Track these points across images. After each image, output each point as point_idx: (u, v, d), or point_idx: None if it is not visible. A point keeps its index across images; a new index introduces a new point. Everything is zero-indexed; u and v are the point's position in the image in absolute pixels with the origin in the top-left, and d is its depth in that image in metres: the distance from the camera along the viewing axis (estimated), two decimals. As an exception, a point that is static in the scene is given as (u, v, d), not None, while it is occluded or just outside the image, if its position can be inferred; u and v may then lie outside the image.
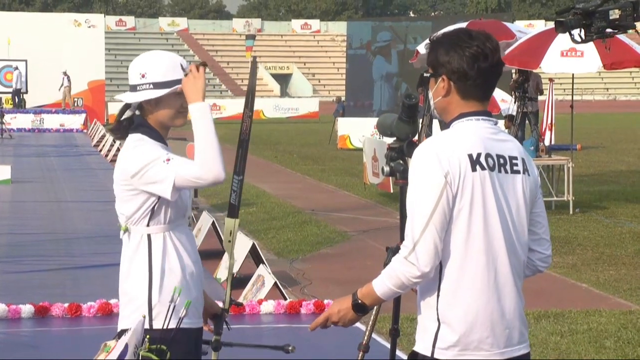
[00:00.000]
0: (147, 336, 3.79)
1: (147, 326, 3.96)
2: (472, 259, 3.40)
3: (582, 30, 5.27)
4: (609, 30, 5.26)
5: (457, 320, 3.39)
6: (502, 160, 3.46)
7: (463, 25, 17.25)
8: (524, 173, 3.51)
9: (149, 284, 4.03)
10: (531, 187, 3.54)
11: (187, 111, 4.18)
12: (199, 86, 4.03)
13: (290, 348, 4.23)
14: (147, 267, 4.05)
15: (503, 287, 3.45)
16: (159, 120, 4.13)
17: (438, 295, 3.41)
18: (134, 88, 4.11)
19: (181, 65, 4.13)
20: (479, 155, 3.41)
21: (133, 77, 4.12)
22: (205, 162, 3.91)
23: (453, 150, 3.39)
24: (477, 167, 3.39)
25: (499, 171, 3.45)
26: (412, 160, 3.44)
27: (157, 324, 3.94)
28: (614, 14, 5.20)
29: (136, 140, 4.08)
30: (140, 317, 3.94)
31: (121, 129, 4.17)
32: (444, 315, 3.40)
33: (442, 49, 3.49)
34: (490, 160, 3.43)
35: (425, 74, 3.59)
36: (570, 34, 5.29)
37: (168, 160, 3.96)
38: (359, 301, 3.51)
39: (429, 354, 3.42)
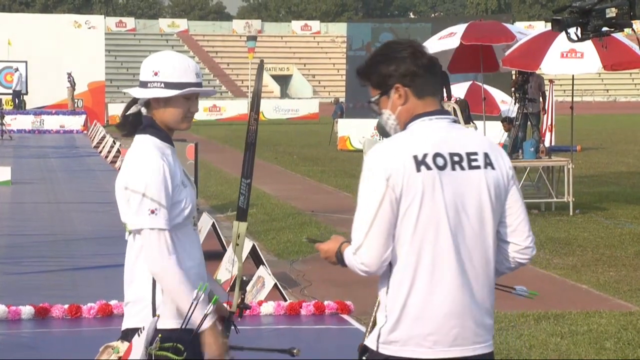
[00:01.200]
0: (159, 335, 3.80)
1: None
2: (416, 258, 3.44)
3: (579, 29, 5.26)
4: (605, 28, 5.25)
5: (398, 316, 3.45)
6: (456, 158, 3.48)
7: (463, 26, 17.24)
8: (485, 167, 3.52)
9: (153, 284, 4.03)
10: (497, 180, 3.54)
11: (193, 116, 4.19)
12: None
13: (295, 351, 4.24)
14: None
15: (452, 287, 3.46)
16: (164, 121, 4.12)
17: (387, 293, 3.49)
18: (144, 84, 4.09)
19: (196, 74, 4.12)
20: (425, 155, 3.45)
21: (145, 73, 4.10)
22: (157, 275, 3.96)
23: (398, 153, 3.45)
24: (422, 167, 3.43)
25: (453, 169, 3.47)
26: (364, 163, 3.52)
27: (160, 324, 3.94)
28: (611, 13, 5.19)
29: (144, 149, 4.05)
30: (153, 317, 3.95)
31: (127, 124, 4.16)
32: (390, 311, 3.47)
33: (383, 64, 3.59)
34: (439, 159, 3.46)
35: (370, 101, 3.65)
36: (567, 33, 5.28)
37: (154, 212, 3.95)
38: (338, 256, 3.64)
39: (374, 348, 3.50)
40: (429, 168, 3.43)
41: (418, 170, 3.42)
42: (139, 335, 3.79)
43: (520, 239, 3.62)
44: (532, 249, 3.66)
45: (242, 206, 4.30)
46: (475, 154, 3.51)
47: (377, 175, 3.43)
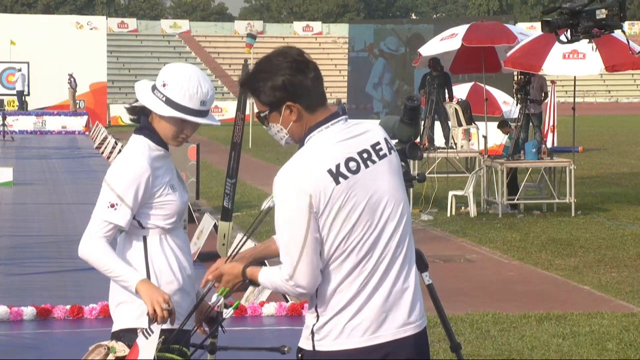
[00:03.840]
0: (162, 337, 3.79)
1: (142, 326, 3.96)
2: (351, 260, 3.48)
3: (569, 30, 5.25)
4: (595, 30, 5.23)
5: (329, 312, 3.50)
6: (365, 155, 3.52)
7: (465, 27, 17.23)
8: (390, 153, 3.59)
9: None
10: (398, 159, 3.65)
11: (186, 138, 4.20)
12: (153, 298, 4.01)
13: (286, 349, 4.23)
14: (144, 269, 4.06)
15: (379, 277, 3.51)
16: (157, 130, 4.15)
17: (317, 295, 3.54)
18: (152, 89, 4.12)
19: (202, 101, 4.09)
20: (338, 166, 3.45)
21: (159, 79, 4.12)
22: (87, 252, 4.11)
23: (313, 171, 3.43)
24: (340, 179, 3.44)
25: (366, 167, 3.50)
26: (275, 189, 3.49)
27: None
28: (601, 14, 5.17)
29: (133, 149, 4.10)
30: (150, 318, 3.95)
31: (136, 111, 4.20)
32: (320, 310, 3.53)
33: (269, 80, 3.50)
34: (352, 163, 3.47)
35: (259, 115, 3.61)
36: (557, 34, 5.27)
37: (113, 206, 4.02)
38: (247, 280, 3.69)
39: (310, 348, 3.54)
40: (345, 177, 3.45)
41: (337, 183, 3.43)
42: (146, 335, 3.78)
43: None
44: None
45: (227, 206, 4.31)
46: (378, 143, 3.57)
47: (298, 196, 3.42)
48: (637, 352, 7.78)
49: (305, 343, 3.57)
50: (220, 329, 4.19)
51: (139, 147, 4.09)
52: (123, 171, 4.05)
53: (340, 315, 3.49)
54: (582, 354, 7.73)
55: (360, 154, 3.50)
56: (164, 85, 4.07)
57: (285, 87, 3.49)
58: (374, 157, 3.53)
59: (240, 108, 4.28)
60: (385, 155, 3.56)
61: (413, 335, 3.57)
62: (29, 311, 8.49)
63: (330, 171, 3.44)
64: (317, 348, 3.53)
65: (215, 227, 11.44)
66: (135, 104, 4.21)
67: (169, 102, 4.06)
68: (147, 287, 3.97)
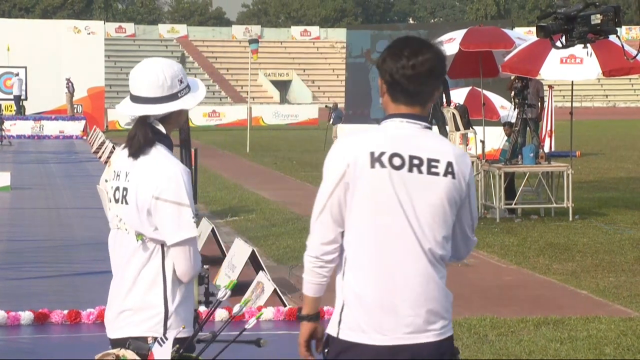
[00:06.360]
0: (177, 346, 3.77)
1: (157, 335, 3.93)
2: (363, 248, 3.55)
3: (564, 36, 5.26)
4: (590, 35, 5.24)
5: (353, 304, 3.56)
6: (416, 161, 3.54)
7: (463, 32, 17.22)
8: (445, 175, 3.56)
9: (164, 293, 3.98)
10: (456, 189, 3.58)
11: None
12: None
13: (261, 341, 4.23)
14: (162, 276, 4.00)
15: (397, 278, 3.52)
16: (178, 122, 4.14)
17: (343, 279, 3.63)
18: (174, 97, 4.03)
19: None
20: (382, 154, 3.52)
21: (171, 85, 4.03)
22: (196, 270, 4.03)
23: (358, 146, 3.54)
24: (377, 164, 3.52)
25: (410, 171, 3.53)
26: (326, 158, 3.65)
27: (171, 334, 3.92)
28: (596, 19, 5.19)
29: (168, 158, 4.00)
30: (165, 326, 3.92)
31: (148, 143, 4.02)
32: (346, 297, 3.60)
33: (383, 54, 3.64)
34: (396, 159, 3.52)
35: None
36: (552, 39, 5.28)
37: (194, 218, 3.98)
38: (300, 314, 3.80)
39: (335, 334, 3.59)
40: (383, 166, 3.51)
41: (372, 166, 3.51)
42: (160, 343, 3.75)
43: (456, 249, 3.71)
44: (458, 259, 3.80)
45: None
46: (437, 161, 3.57)
47: (334, 164, 3.56)
48: (634, 357, 7.78)
49: (330, 328, 3.61)
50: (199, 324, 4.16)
51: (168, 154, 4.03)
52: (182, 183, 3.96)
53: (360, 308, 3.53)
54: (579, 358, 7.73)
55: (411, 157, 3.54)
56: (181, 82, 4.05)
57: (382, 66, 3.61)
58: (423, 169, 3.54)
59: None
60: (436, 174, 3.55)
61: (428, 343, 3.54)
62: (26, 316, 8.48)
63: (372, 153, 3.52)
64: (341, 336, 3.56)
65: (213, 231, 11.47)
66: (146, 134, 4.02)
67: (193, 85, 4.11)
68: None
